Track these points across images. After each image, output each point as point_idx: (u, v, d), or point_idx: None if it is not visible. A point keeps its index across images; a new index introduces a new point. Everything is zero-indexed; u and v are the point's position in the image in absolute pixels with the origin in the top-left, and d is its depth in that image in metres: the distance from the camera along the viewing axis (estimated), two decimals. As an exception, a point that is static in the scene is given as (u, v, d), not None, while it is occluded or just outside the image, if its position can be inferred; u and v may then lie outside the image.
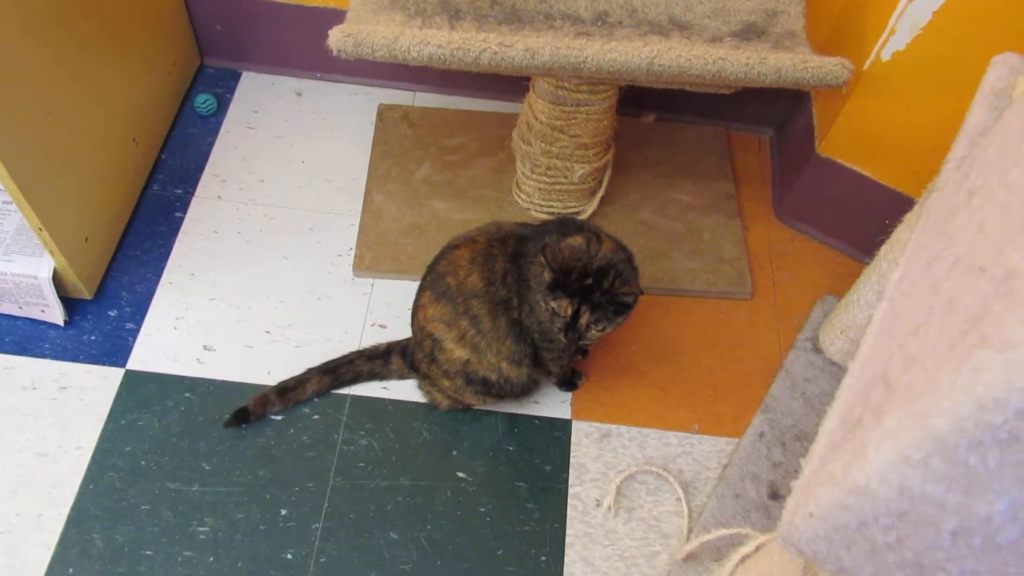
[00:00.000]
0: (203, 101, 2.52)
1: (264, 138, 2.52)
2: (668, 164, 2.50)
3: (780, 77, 1.81)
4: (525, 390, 1.93)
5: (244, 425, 1.92)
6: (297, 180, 2.43)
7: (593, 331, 1.59)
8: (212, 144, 2.50)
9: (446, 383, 2.00)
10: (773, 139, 2.77)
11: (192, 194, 2.38)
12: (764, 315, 2.26)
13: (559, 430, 1.99)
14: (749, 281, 2.31)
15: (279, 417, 2.00)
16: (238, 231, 2.33)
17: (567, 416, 2.03)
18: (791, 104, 2.49)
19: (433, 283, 1.87)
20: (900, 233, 1.88)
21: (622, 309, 1.58)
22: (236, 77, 2.68)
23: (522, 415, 2.02)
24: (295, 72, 2.66)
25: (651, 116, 2.66)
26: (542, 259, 1.61)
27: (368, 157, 2.45)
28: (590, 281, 1.54)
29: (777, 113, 2.59)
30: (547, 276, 1.55)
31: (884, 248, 1.83)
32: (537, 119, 2.10)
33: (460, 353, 1.88)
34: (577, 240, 1.68)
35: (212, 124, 2.54)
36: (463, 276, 1.71)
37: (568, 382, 2.05)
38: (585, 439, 1.99)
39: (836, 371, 2.12)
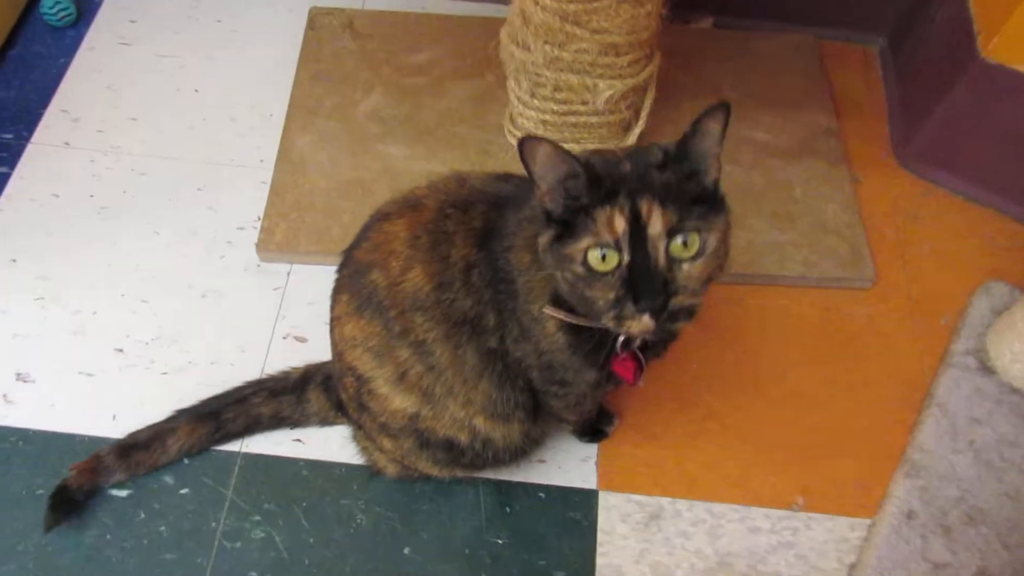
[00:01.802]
0: (54, 5, 1.96)
1: (143, 58, 1.96)
2: (736, 88, 1.93)
3: None
4: (518, 454, 1.31)
5: (69, 517, 1.34)
6: (186, 117, 1.87)
7: (685, 257, 0.90)
8: (65, 67, 1.94)
9: (387, 443, 1.28)
10: (885, 50, 2.07)
11: (27, 140, 1.81)
12: (895, 313, 1.65)
13: (578, 508, 1.41)
14: (869, 261, 1.69)
15: (123, 493, 1.39)
16: (90, 194, 1.74)
17: (591, 485, 1.43)
18: None
19: (352, 280, 1.14)
20: None
21: (711, 194, 0.93)
22: None
23: (518, 483, 1.44)
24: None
25: (709, 20, 2.08)
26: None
27: (291, 83, 1.88)
28: (628, 167, 0.91)
29: (894, 10, 2.01)
30: (547, 199, 0.93)
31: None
32: (538, 3, 1.48)
33: (402, 402, 1.16)
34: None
35: (68, 39, 1.98)
36: (398, 271, 1.08)
37: (592, 429, 1.46)
38: (621, 523, 1.40)
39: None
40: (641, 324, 0.90)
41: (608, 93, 1.56)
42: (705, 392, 1.51)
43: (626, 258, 0.88)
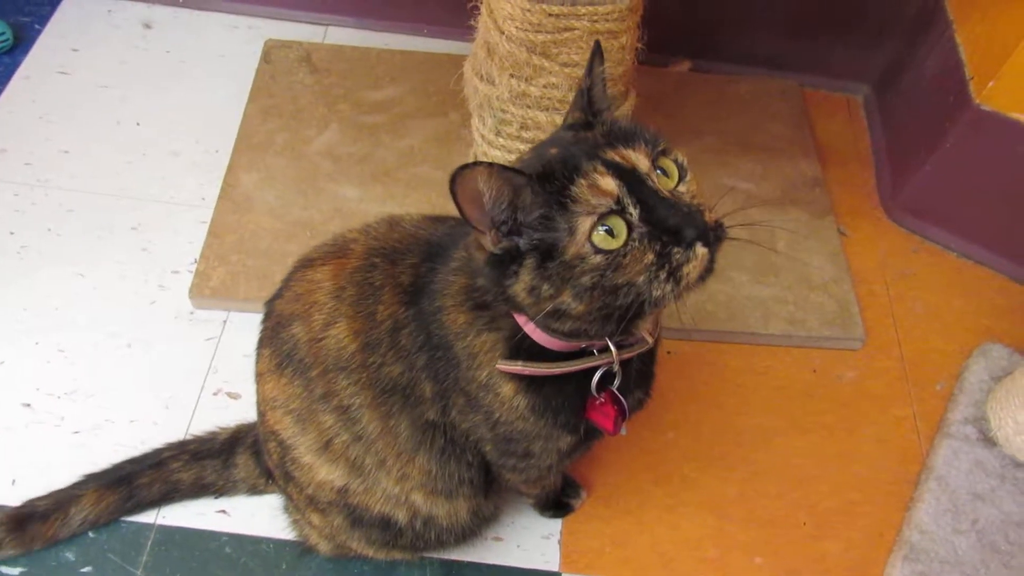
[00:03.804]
0: None
1: (82, 88, 1.82)
2: (716, 134, 1.82)
3: None
4: (467, 534, 1.15)
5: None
6: (124, 152, 1.72)
7: (675, 183, 0.79)
8: None
9: (316, 518, 1.12)
10: (870, 98, 1.98)
11: (-53, 170, 1.66)
12: (887, 376, 1.52)
13: None
14: (858, 320, 1.56)
15: (14, 572, 1.21)
16: (10, 231, 1.59)
17: (553, 566, 1.27)
18: (906, 41, 1.83)
19: (273, 334, 0.99)
20: None
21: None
22: (53, 1, 1.98)
23: (470, 564, 1.27)
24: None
25: (687, 64, 1.98)
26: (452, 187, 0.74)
27: (241, 117, 1.75)
28: (558, 147, 0.80)
29: (879, 58, 1.92)
30: (499, 239, 0.79)
31: None
32: (504, 32, 1.34)
33: (328, 473, 1.00)
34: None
35: (2, 66, 1.85)
36: (320, 325, 0.94)
37: (556, 503, 1.30)
38: (586, 612, 1.22)
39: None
40: (699, 259, 0.75)
41: (579, 133, 1.44)
42: (682, 462, 1.36)
43: (636, 211, 0.74)
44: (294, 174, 1.63)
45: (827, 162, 1.78)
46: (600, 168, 0.74)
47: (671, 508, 1.32)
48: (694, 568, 1.26)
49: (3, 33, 1.81)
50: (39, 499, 1.21)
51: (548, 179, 0.74)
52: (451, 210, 1.45)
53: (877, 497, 1.36)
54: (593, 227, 0.73)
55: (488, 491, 1.07)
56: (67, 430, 1.33)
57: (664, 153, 0.78)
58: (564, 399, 0.90)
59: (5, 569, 1.19)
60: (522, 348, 0.85)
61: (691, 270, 0.75)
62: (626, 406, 0.92)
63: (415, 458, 0.96)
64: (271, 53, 1.83)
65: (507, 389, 0.89)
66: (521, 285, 0.78)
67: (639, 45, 1.41)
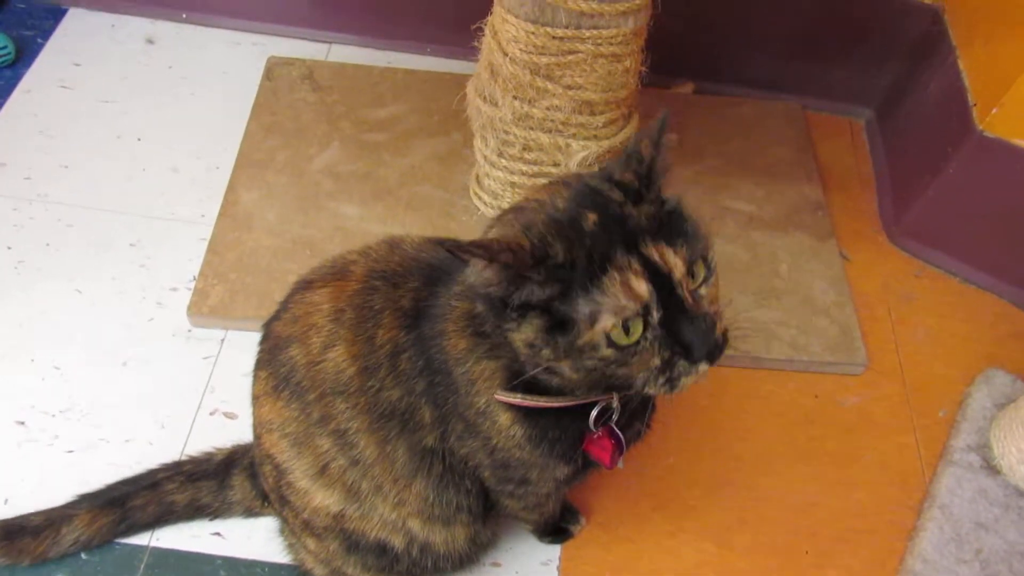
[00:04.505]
0: None
1: (83, 102, 1.81)
2: (719, 155, 1.81)
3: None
4: (464, 561, 1.13)
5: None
6: (124, 167, 1.71)
7: (699, 284, 0.77)
8: None
9: (311, 543, 1.09)
10: (872, 122, 1.97)
11: (-55, 184, 1.65)
12: (889, 402, 1.50)
13: None
14: (861, 345, 1.55)
15: None
16: (7, 245, 1.58)
17: None
18: (909, 65, 1.83)
19: (271, 356, 0.98)
20: None
21: (674, 203, 0.79)
22: (56, 15, 1.97)
23: None
24: (148, 10, 1.96)
25: (689, 85, 1.97)
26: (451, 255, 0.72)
27: (242, 133, 1.74)
28: (594, 218, 0.75)
29: (881, 82, 1.91)
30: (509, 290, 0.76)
31: None
32: (507, 54, 1.34)
33: (324, 498, 0.98)
34: (492, 232, 0.82)
35: (3, 79, 1.84)
36: (318, 348, 0.93)
37: (555, 529, 1.28)
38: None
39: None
40: (698, 374, 0.76)
41: (582, 155, 1.42)
42: (682, 488, 1.34)
43: (656, 315, 0.73)
44: (295, 192, 1.62)
45: (829, 185, 1.77)
46: (636, 267, 0.72)
47: (671, 534, 1.30)
48: (695, 597, 1.25)
49: (5, 47, 1.80)
50: (32, 515, 1.19)
51: (573, 264, 0.73)
52: (453, 230, 1.43)
53: (879, 525, 1.34)
54: (613, 326, 0.72)
55: (486, 518, 1.05)
56: (61, 449, 1.31)
57: (701, 255, 0.76)
58: (561, 431, 0.88)
59: (-5, 590, 1.17)
60: (521, 378, 0.84)
61: (688, 381, 0.77)
62: (623, 441, 0.91)
63: (412, 484, 0.94)
64: (273, 70, 1.82)
65: (504, 418, 0.88)
66: (521, 337, 0.77)
67: (643, 68, 1.41)
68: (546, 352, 0.76)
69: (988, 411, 1.44)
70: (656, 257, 0.73)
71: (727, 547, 1.29)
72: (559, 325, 0.74)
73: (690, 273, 0.75)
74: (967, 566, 1.27)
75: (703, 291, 0.76)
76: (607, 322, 0.72)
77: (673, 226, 0.75)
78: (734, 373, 1.48)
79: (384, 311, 0.90)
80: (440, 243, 0.70)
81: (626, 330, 0.73)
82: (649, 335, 0.74)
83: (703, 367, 0.76)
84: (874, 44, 1.82)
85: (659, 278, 0.73)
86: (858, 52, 1.85)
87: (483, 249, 0.69)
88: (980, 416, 1.44)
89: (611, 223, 0.74)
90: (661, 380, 0.76)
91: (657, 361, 0.75)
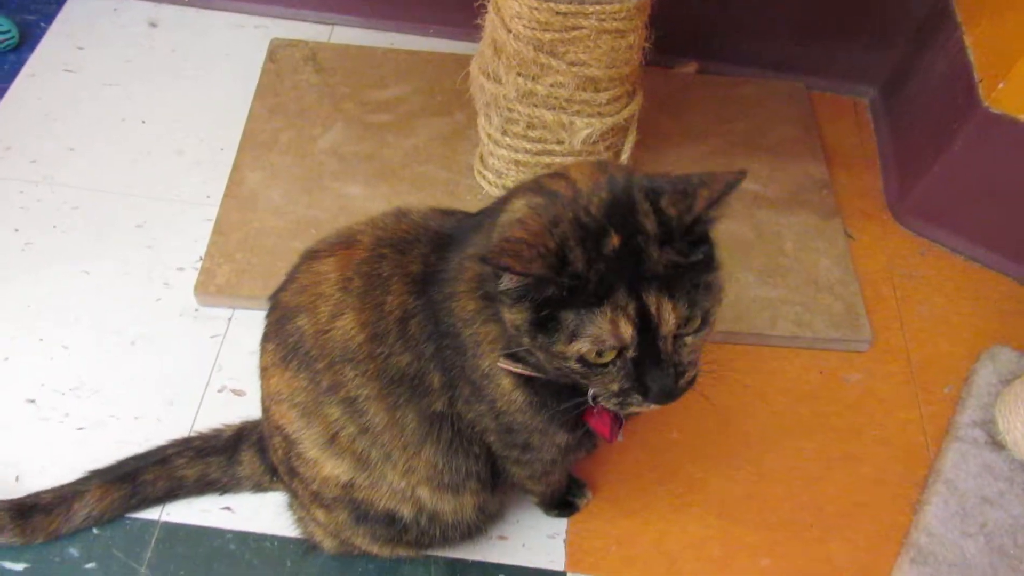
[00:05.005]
0: None
1: (87, 86, 1.81)
2: (723, 135, 1.81)
3: None
4: (472, 532, 1.14)
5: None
6: (129, 149, 1.71)
7: (688, 332, 0.79)
8: (2, 93, 1.79)
9: (320, 514, 1.10)
10: (876, 101, 1.96)
11: (-48, 167, 1.65)
12: (894, 379, 1.50)
13: None
14: (866, 322, 1.55)
15: (18, 567, 1.19)
16: (14, 227, 1.58)
17: (558, 566, 1.26)
18: (913, 44, 1.82)
19: (278, 327, 0.98)
20: None
21: (705, 253, 0.78)
22: None
23: (475, 563, 1.25)
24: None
25: (693, 65, 1.96)
26: (486, 265, 0.78)
27: (246, 116, 1.74)
28: (616, 242, 0.75)
29: (886, 60, 1.91)
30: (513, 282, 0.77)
31: None
32: (511, 30, 1.34)
33: (334, 468, 0.99)
34: (520, 204, 0.81)
35: (7, 64, 1.84)
36: (326, 317, 0.93)
37: (561, 502, 1.28)
38: (591, 612, 1.21)
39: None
40: (648, 409, 0.82)
41: (585, 132, 1.43)
42: (687, 463, 1.35)
43: (631, 353, 0.76)
44: (299, 173, 1.62)
45: (834, 164, 1.77)
46: (630, 311, 0.74)
47: (677, 508, 1.31)
48: (699, 568, 1.25)
49: (9, 31, 1.80)
50: (43, 492, 1.20)
51: (586, 281, 0.74)
52: (459, 205, 1.43)
53: (884, 500, 1.34)
54: (587, 351, 0.75)
55: (494, 487, 1.06)
56: (71, 426, 1.32)
57: (704, 308, 0.77)
58: (560, 401, 0.89)
59: (9, 564, 1.18)
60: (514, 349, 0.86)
61: (636, 411, 0.83)
62: (622, 415, 0.92)
63: (421, 451, 0.95)
64: (276, 52, 1.83)
65: (507, 382, 0.89)
66: (510, 317, 0.80)
67: (646, 44, 1.40)
68: (526, 340, 0.79)
69: (993, 387, 1.45)
70: (653, 309, 0.74)
71: (732, 520, 1.30)
72: (544, 323, 0.77)
73: (684, 322, 0.76)
74: (972, 540, 1.27)
75: (689, 340, 0.78)
76: (583, 346, 0.75)
77: (687, 277, 0.76)
78: (739, 350, 1.49)
79: (392, 277, 0.91)
80: (483, 259, 0.74)
81: (599, 355, 0.76)
82: (618, 363, 0.77)
83: (653, 407, 0.81)
84: (879, 23, 1.82)
85: (648, 321, 0.75)
86: (862, 32, 1.84)
87: (516, 260, 0.72)
88: (985, 392, 1.44)
89: (629, 255, 0.74)
90: (613, 401, 0.82)
91: (615, 387, 0.79)
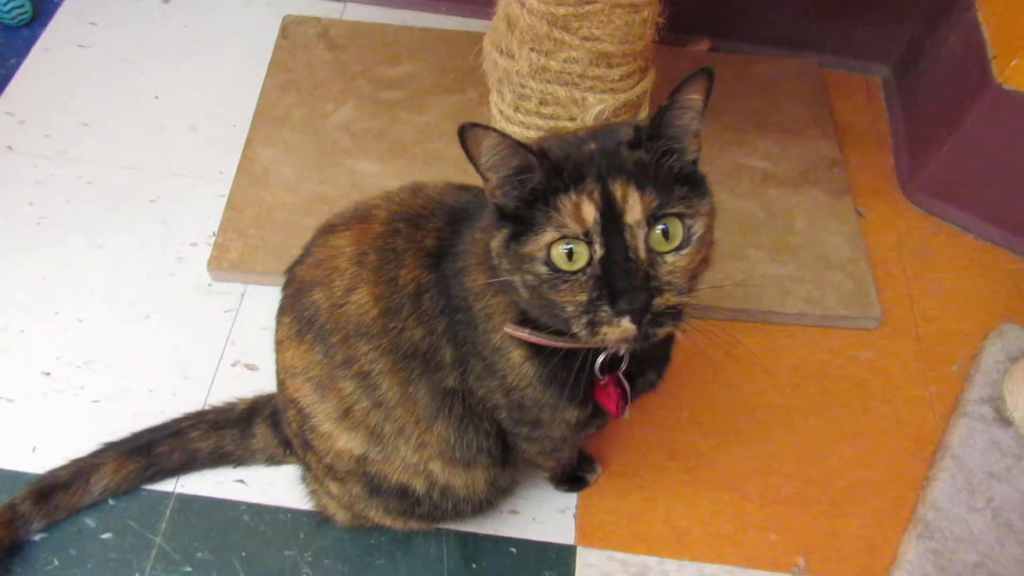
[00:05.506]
0: (7, 3, 1.83)
1: (101, 61, 1.81)
2: (735, 113, 1.80)
3: None
4: (483, 506, 1.14)
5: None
6: (143, 125, 1.72)
7: (667, 249, 0.77)
8: (15, 68, 1.79)
9: (334, 487, 1.12)
10: (889, 79, 1.95)
11: (-33, 141, 1.66)
12: (903, 356, 1.50)
13: (554, 566, 1.24)
14: (875, 299, 1.55)
15: (35, 537, 1.21)
16: (29, 201, 1.59)
17: (568, 540, 1.27)
18: (926, 21, 1.82)
19: (294, 300, 0.99)
20: None
21: (692, 174, 0.80)
22: None
23: (486, 536, 1.26)
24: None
25: (705, 43, 1.96)
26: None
27: (259, 93, 1.74)
28: (594, 146, 0.79)
29: (898, 38, 1.90)
30: (497, 193, 0.80)
31: None
32: (525, 5, 1.34)
33: (347, 441, 1.00)
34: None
35: (21, 39, 1.84)
36: (341, 291, 0.94)
37: (572, 477, 1.30)
38: (601, 584, 1.21)
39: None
40: (620, 330, 0.75)
41: (598, 108, 1.42)
42: (697, 439, 1.36)
43: (599, 252, 0.75)
44: (312, 149, 1.63)
45: (845, 142, 1.76)
46: (595, 195, 0.74)
47: (686, 484, 1.32)
48: (708, 544, 1.26)
49: (22, 5, 1.81)
50: (59, 469, 1.21)
51: (553, 173, 0.75)
52: (471, 182, 1.44)
53: (892, 476, 1.35)
54: (554, 241, 0.75)
55: (505, 462, 1.07)
56: (86, 399, 1.34)
57: (679, 215, 0.76)
58: (569, 374, 0.89)
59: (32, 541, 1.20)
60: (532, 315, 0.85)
61: (608, 334, 0.76)
62: (628, 390, 0.92)
63: (434, 426, 0.96)
64: (289, 29, 1.83)
65: (517, 355, 0.90)
66: (495, 244, 0.81)
67: (660, 20, 1.40)
68: (504, 263, 0.80)
69: (1002, 364, 1.45)
70: (618, 195, 0.74)
71: (742, 496, 1.31)
72: (519, 235, 0.77)
73: (662, 226, 0.76)
74: (979, 514, 1.28)
75: (670, 258, 0.77)
76: (547, 237, 0.75)
77: (661, 179, 0.76)
78: (748, 327, 1.49)
79: (407, 252, 0.91)
80: (475, 124, 0.75)
81: (569, 255, 0.75)
82: (587, 270, 0.76)
83: (625, 324, 0.75)
84: (891, 1, 1.81)
85: (612, 216, 0.74)
86: (875, 9, 1.83)
87: (496, 131, 0.74)
88: (994, 369, 1.45)
89: (603, 154, 0.77)
90: (584, 320, 0.77)
91: (583, 297, 0.76)
